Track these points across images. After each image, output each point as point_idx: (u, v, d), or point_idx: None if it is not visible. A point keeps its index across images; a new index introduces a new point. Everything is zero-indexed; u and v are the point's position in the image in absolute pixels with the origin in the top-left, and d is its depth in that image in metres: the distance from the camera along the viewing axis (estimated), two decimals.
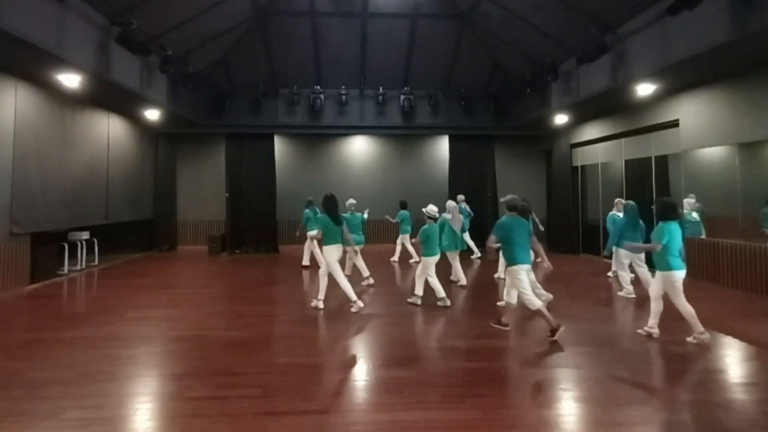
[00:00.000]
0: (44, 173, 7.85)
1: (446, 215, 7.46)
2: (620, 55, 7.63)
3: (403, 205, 10.20)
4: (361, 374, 3.99)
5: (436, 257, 6.27)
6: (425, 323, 5.56)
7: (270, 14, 10.28)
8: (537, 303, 4.86)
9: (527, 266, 4.96)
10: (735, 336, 4.94)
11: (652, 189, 9.13)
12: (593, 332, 5.15)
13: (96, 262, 9.62)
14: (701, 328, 4.67)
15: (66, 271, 8.63)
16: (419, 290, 6.33)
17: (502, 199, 5.38)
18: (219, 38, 10.08)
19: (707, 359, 4.38)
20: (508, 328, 5.15)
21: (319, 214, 6.25)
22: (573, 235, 11.77)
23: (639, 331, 5.02)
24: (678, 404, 3.40)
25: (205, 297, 7.02)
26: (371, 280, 7.73)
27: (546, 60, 9.19)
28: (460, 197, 10.15)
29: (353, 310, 5.91)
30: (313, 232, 8.68)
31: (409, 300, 6.39)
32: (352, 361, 4.32)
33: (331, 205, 6.02)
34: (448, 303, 6.23)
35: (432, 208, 6.45)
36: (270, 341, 4.90)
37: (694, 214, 7.84)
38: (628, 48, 7.46)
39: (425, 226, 6.24)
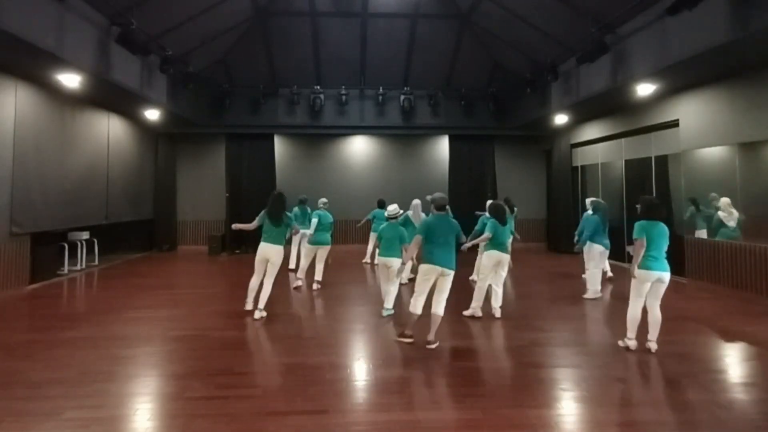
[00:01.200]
0: (44, 173, 7.85)
1: (408, 212, 7.37)
2: (620, 55, 7.62)
3: (380, 204, 10.00)
4: (361, 374, 3.99)
5: (387, 259, 5.85)
6: (424, 323, 5.55)
7: (270, 14, 10.28)
8: (416, 311, 4.60)
9: (439, 269, 4.53)
10: (735, 336, 4.94)
11: (652, 189, 9.13)
12: (593, 332, 5.16)
13: (96, 262, 9.61)
14: (631, 336, 4.49)
15: (66, 271, 8.63)
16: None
17: (429, 197, 4.92)
18: (219, 38, 10.08)
19: (707, 359, 4.38)
20: (411, 341, 4.64)
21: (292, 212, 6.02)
22: (573, 235, 11.74)
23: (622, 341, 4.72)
24: (678, 404, 3.40)
25: (205, 297, 7.02)
26: (315, 286, 7.48)
27: (546, 60, 9.19)
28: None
29: (248, 307, 5.89)
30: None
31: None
32: (352, 361, 4.32)
33: (271, 204, 6.02)
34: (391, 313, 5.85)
35: (391, 208, 6.09)
36: (270, 341, 4.90)
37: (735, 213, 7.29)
38: (628, 48, 7.45)
39: (382, 226, 6.00)
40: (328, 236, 7.51)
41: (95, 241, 9.55)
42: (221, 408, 3.32)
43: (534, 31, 9.23)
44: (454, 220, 4.77)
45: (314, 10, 10.21)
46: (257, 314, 5.64)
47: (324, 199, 8.00)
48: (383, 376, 3.92)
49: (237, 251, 12.17)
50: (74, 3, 6.54)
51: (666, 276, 4.39)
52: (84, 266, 9.22)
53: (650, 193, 9.10)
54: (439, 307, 4.60)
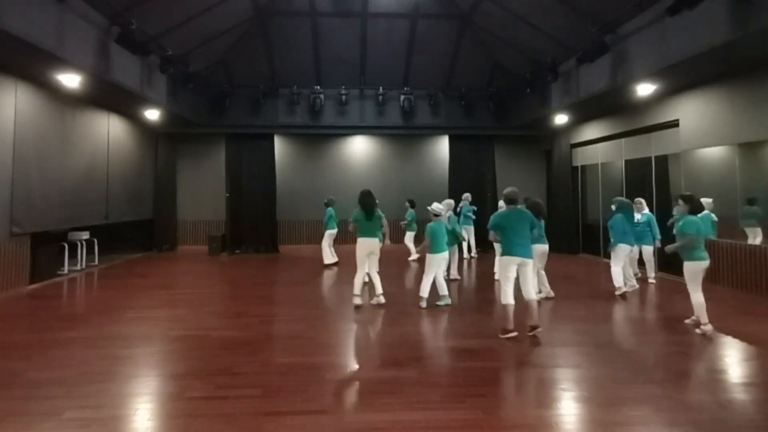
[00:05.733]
0: (44, 173, 7.85)
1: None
2: (620, 55, 7.62)
3: (411, 204, 10.72)
4: (361, 374, 3.99)
5: (441, 254, 6.17)
6: (425, 323, 5.56)
7: (270, 14, 10.28)
8: (509, 301, 4.96)
9: (518, 259, 4.91)
10: (735, 336, 4.94)
11: (652, 189, 9.14)
12: (593, 332, 5.15)
13: (96, 262, 9.61)
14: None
15: (66, 271, 8.63)
16: (424, 291, 6.17)
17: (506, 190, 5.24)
18: (219, 38, 10.08)
19: (707, 359, 4.38)
20: (515, 334, 4.88)
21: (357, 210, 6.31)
22: (573, 235, 11.77)
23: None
24: (678, 404, 3.40)
25: (205, 297, 7.02)
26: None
27: (546, 60, 9.19)
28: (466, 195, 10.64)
29: (358, 302, 6.15)
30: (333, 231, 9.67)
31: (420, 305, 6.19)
32: (352, 361, 4.32)
33: (364, 200, 6.23)
34: (449, 302, 6.22)
35: (436, 206, 6.38)
36: (270, 341, 4.90)
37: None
38: (628, 48, 7.45)
39: (430, 224, 6.20)
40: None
41: (95, 241, 9.56)
42: (221, 408, 3.32)
43: (534, 31, 9.23)
44: (527, 211, 5.08)
45: (314, 10, 10.21)
46: (374, 300, 6.25)
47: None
48: (383, 376, 3.92)
49: (237, 251, 12.17)
50: (74, 3, 6.54)
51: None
52: (84, 266, 9.22)
53: (650, 194, 9.11)
54: (530, 293, 4.95)
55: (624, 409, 3.31)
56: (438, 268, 6.19)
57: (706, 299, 6.40)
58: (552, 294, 6.57)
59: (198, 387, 3.68)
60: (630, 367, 4.13)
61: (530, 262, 4.94)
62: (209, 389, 3.64)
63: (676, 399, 3.48)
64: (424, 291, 6.15)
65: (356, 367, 4.17)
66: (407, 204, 10.92)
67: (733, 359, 4.37)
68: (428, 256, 6.16)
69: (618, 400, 3.44)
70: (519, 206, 5.10)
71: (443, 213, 6.54)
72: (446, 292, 6.27)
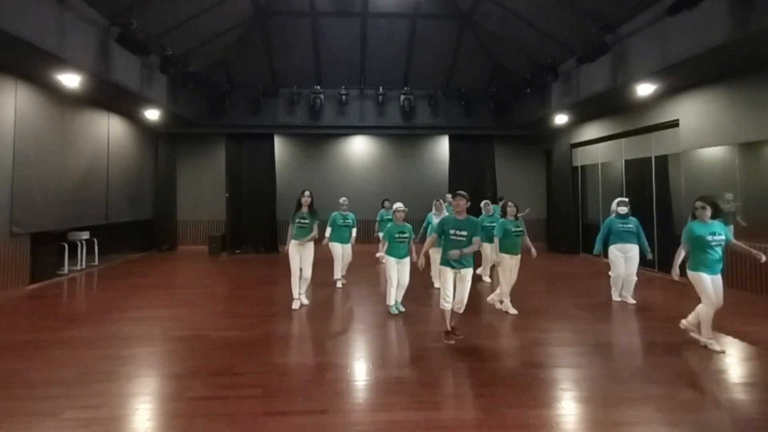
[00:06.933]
0: (44, 173, 7.85)
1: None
2: (620, 55, 7.63)
3: (382, 204, 10.06)
4: (361, 374, 3.99)
5: (393, 259, 5.95)
6: (424, 323, 5.55)
7: (270, 14, 10.28)
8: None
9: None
10: (735, 336, 4.94)
11: (652, 189, 9.14)
12: (593, 332, 5.16)
13: (96, 262, 9.62)
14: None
15: (66, 271, 8.63)
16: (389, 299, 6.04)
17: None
18: (219, 38, 10.08)
19: (707, 359, 4.38)
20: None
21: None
22: (573, 235, 11.77)
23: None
24: (678, 404, 3.40)
25: (205, 297, 7.02)
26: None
27: (546, 60, 9.19)
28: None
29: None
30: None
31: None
32: (352, 361, 4.32)
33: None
34: (395, 312, 5.93)
35: (395, 206, 6.18)
36: (270, 341, 4.90)
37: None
38: (628, 48, 7.46)
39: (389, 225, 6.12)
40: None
41: (95, 241, 9.56)
42: (221, 408, 3.32)
43: (534, 31, 9.23)
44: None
45: (314, 10, 10.21)
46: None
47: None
48: (383, 376, 3.92)
49: (237, 251, 12.17)
50: (74, 3, 6.54)
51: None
52: (84, 266, 9.22)
53: (650, 194, 9.11)
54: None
55: (624, 409, 3.32)
56: (392, 269, 5.90)
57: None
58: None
59: (198, 387, 3.68)
60: (630, 367, 4.13)
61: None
62: (209, 389, 3.64)
63: (676, 399, 3.48)
64: (389, 299, 5.99)
65: (356, 367, 4.17)
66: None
67: (733, 359, 4.37)
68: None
69: (618, 400, 3.44)
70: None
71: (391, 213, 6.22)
72: (391, 303, 5.98)
